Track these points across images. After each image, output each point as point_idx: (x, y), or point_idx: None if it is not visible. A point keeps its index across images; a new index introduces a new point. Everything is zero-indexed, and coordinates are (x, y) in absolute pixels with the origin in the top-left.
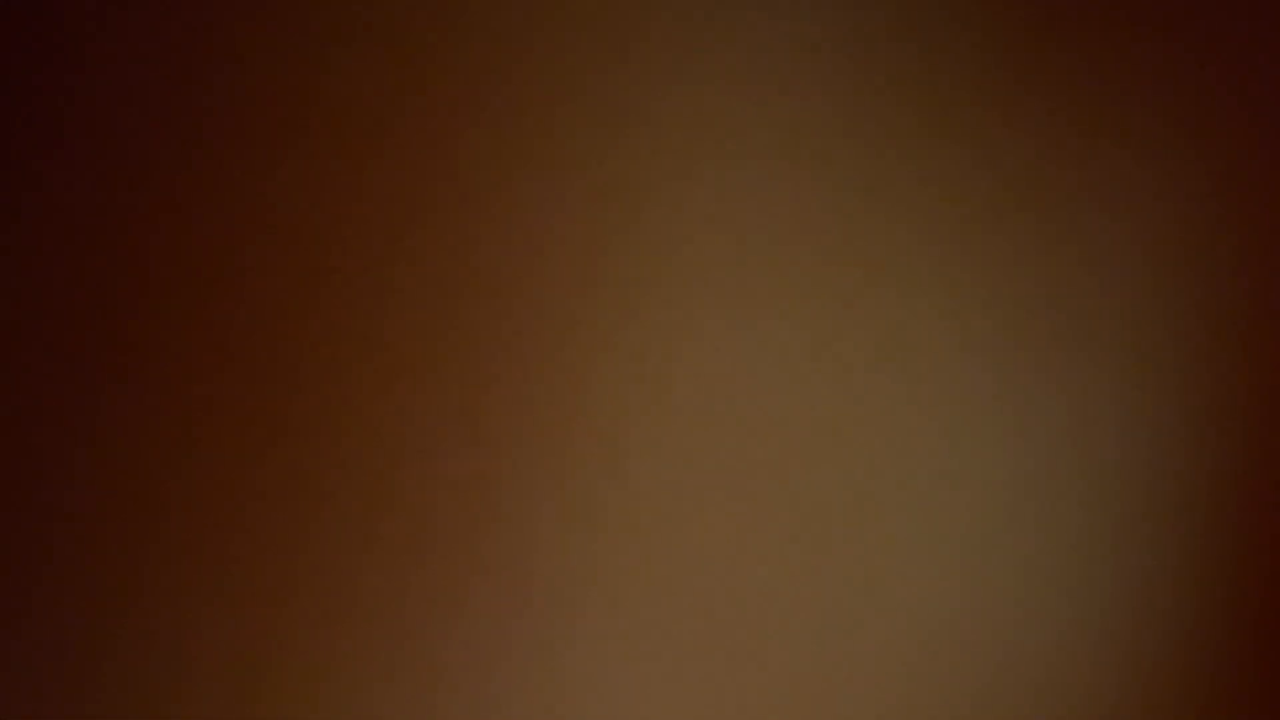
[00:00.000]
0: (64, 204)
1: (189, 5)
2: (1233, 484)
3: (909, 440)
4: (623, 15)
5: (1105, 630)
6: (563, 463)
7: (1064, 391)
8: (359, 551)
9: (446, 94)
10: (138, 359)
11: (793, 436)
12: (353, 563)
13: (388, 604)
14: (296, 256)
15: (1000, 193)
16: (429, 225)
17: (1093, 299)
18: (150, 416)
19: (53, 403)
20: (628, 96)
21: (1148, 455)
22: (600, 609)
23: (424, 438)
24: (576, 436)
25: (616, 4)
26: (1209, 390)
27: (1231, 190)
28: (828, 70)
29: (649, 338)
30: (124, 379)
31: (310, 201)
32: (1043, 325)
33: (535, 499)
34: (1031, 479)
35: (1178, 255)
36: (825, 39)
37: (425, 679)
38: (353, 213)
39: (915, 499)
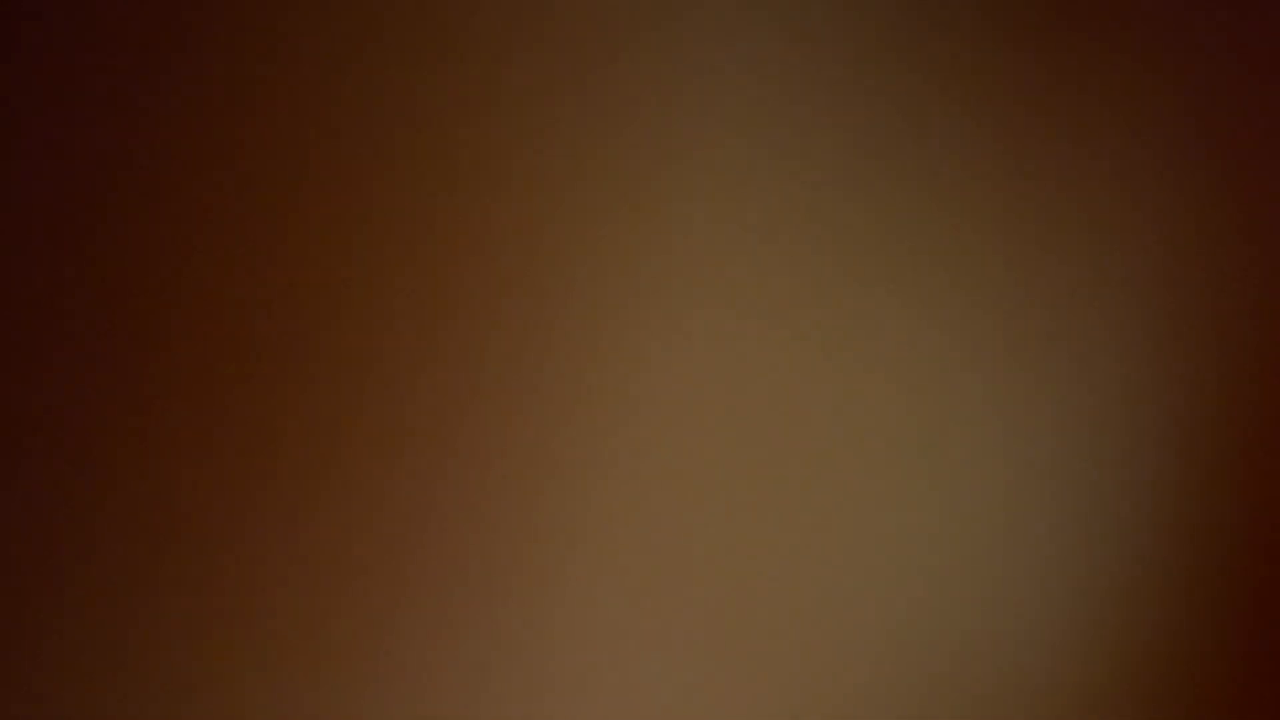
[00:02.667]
0: (66, 207)
1: (196, 7)
2: (1226, 485)
3: (899, 441)
4: (623, 17)
5: (1096, 626)
6: (554, 464)
7: (1054, 393)
8: (350, 551)
9: (443, 97)
10: (136, 362)
11: (783, 436)
12: (343, 562)
13: (377, 603)
14: (290, 260)
15: (993, 198)
16: (422, 228)
17: (1085, 303)
18: (141, 418)
19: (52, 406)
20: (625, 100)
21: (1138, 457)
22: (591, 607)
23: (413, 440)
24: (569, 438)
25: (615, 7)
26: (1205, 393)
27: (1232, 193)
28: (824, 74)
29: (642, 339)
30: (123, 382)
31: (306, 205)
32: (1034, 329)
33: (526, 497)
34: (1022, 479)
35: (1173, 258)
36: (825, 41)
37: (414, 677)
38: (347, 215)
39: (907, 497)
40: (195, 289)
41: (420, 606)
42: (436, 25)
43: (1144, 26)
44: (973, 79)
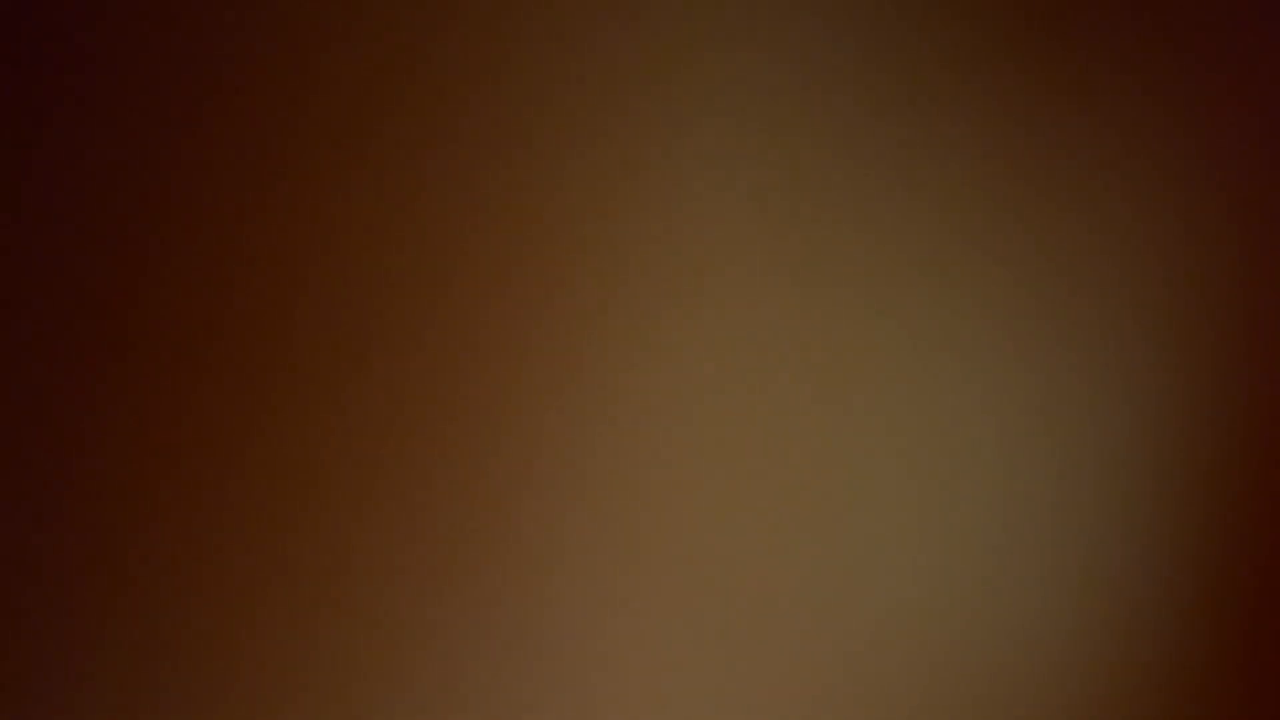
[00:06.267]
0: (55, 202)
1: (194, 6)
2: (1224, 483)
3: (899, 443)
4: (629, 55)
5: (1093, 626)
6: (571, 462)
7: (1051, 393)
8: (347, 553)
9: (451, 90)
10: (140, 355)
11: (785, 439)
12: (339, 565)
13: (369, 607)
14: (303, 259)
15: (987, 203)
16: (450, 229)
17: (1079, 304)
18: (161, 412)
19: (45, 401)
20: (633, 84)
21: (1136, 455)
22: (608, 606)
23: (411, 441)
24: (584, 438)
25: (620, 37)
26: (1202, 392)
27: (1230, 190)
28: (820, 89)
29: (642, 344)
30: (124, 375)
31: (317, 204)
32: (1027, 329)
33: (547, 498)
34: (1019, 480)
35: (1171, 253)
36: (821, 57)
37: (440, 679)
38: (367, 216)
39: (907, 498)
40: (203, 292)
41: (414, 609)
42: (441, 19)
43: (1128, 35)
44: (965, 89)
